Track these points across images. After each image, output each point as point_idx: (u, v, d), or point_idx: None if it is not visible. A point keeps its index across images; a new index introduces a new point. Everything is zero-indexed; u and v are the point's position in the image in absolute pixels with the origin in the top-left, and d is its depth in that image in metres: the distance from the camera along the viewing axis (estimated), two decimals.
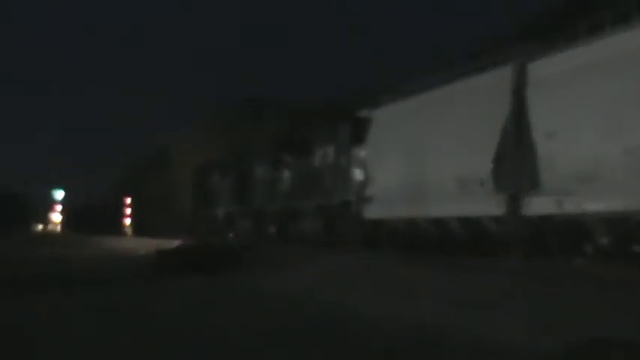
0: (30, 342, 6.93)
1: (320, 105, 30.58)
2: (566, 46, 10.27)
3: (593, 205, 9.51)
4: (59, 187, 69.24)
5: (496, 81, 11.31)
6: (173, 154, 44.26)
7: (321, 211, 17.05)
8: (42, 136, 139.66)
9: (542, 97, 10.40)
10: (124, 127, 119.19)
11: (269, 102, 40.27)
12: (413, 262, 11.01)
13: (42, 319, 8.48)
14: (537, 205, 10.37)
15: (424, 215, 13.14)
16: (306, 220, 17.96)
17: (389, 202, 14.07)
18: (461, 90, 12.21)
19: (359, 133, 15.16)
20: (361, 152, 15.06)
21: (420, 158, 13.08)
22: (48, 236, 50.16)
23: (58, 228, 68.43)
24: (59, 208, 70.33)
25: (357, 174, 15.11)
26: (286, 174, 19.31)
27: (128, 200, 54.93)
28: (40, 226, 69.08)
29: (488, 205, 11.26)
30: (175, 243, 20.85)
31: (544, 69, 10.48)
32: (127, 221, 54.10)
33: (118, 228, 51.78)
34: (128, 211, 54.70)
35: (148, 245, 22.01)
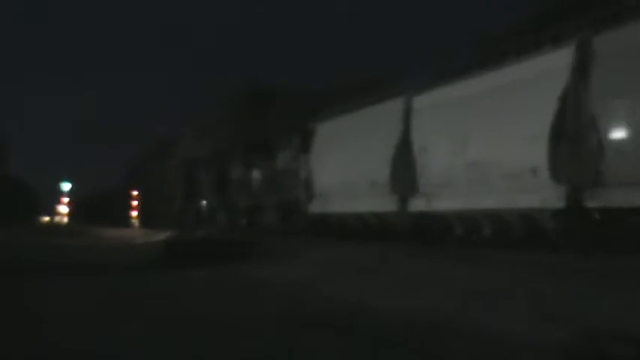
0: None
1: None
2: (436, 85, 14.29)
3: (449, 204, 13.54)
4: (66, 179, 72.49)
5: (393, 109, 15.31)
6: (172, 147, 47.36)
7: (279, 206, 21.17)
8: (50, 128, 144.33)
9: (418, 122, 14.41)
10: (132, 119, 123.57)
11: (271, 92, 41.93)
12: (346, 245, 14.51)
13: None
14: (415, 204, 14.40)
15: (350, 211, 17.17)
16: (268, 213, 22.09)
17: (327, 200, 18.13)
18: (372, 114, 16.23)
19: (306, 142, 19.23)
20: (307, 158, 19.13)
21: (347, 165, 17.08)
22: (54, 228, 52.19)
23: (65, 220, 71.59)
24: (66, 200, 73.49)
25: (304, 176, 19.18)
26: (254, 174, 23.46)
27: (135, 192, 57.00)
28: (47, 218, 72.62)
29: (388, 203, 15.30)
30: (165, 235, 24.97)
31: (421, 101, 14.48)
32: (134, 213, 56.49)
33: (125, 220, 54.30)
34: (135, 203, 56.86)
35: (150, 237, 25.43)
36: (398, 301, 8.59)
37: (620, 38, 10.43)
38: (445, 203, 13.43)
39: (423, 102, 14.37)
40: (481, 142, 12.35)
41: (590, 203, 10.44)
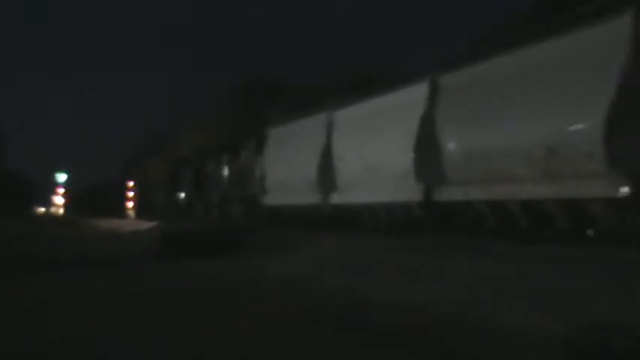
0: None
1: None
2: (352, 102, 18.96)
3: (356, 198, 18.29)
4: (62, 170, 76.00)
5: (320, 122, 20.00)
6: (167, 143, 52.31)
7: (241, 200, 26.02)
8: (47, 119, 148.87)
9: (337, 134, 19.12)
10: (133, 117, 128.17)
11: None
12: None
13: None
14: (334, 198, 19.16)
15: (293, 203, 21.92)
16: (234, 205, 26.93)
17: (276, 194, 22.89)
18: (307, 124, 20.93)
19: (261, 144, 24.04)
20: (261, 158, 23.95)
21: (290, 166, 21.77)
22: (48, 220, 54.97)
23: (61, 211, 75.08)
24: (62, 191, 77.12)
25: (259, 174, 24.00)
26: (224, 171, 28.32)
27: (131, 184, 60.75)
28: (43, 209, 76.20)
29: (316, 198, 20.05)
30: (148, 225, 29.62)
31: (338, 117, 19.18)
32: (130, 204, 60.33)
33: (120, 211, 57.79)
34: (131, 194, 60.59)
35: (144, 227, 29.04)
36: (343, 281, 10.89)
37: (456, 77, 15.01)
38: (353, 198, 18.13)
39: (339, 117, 19.03)
40: (374, 151, 17.00)
41: (438, 197, 15.11)
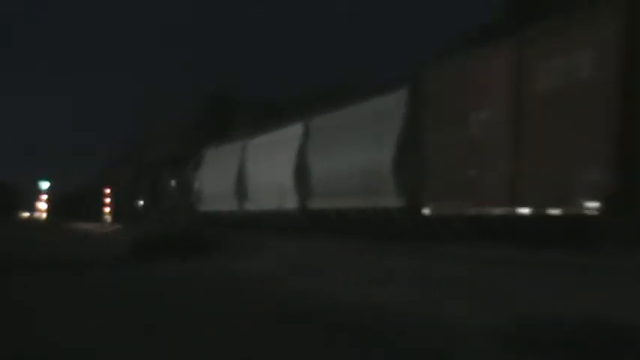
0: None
1: None
2: (259, 133, 25.13)
3: (261, 206, 24.39)
4: (45, 178, 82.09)
5: (238, 147, 26.15)
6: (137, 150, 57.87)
7: (183, 208, 32.22)
8: (30, 127, 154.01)
9: (248, 158, 25.28)
10: (111, 122, 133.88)
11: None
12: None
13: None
14: (246, 205, 25.29)
15: (218, 210, 28.03)
16: (180, 212, 33.14)
17: (207, 203, 29.05)
18: (228, 149, 27.14)
19: (199, 162, 30.23)
20: (199, 174, 30.15)
21: (217, 180, 27.94)
22: (32, 223, 60.37)
23: (44, 215, 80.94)
24: (44, 197, 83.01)
25: (196, 186, 30.18)
26: (172, 182, 34.51)
27: (107, 190, 64.67)
28: (27, 214, 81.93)
29: (235, 205, 26.18)
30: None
31: (249, 143, 25.37)
32: (107, 209, 64.73)
33: (98, 216, 62.12)
34: (108, 200, 64.44)
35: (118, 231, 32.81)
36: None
37: (317, 122, 21.18)
38: (258, 205, 24.23)
39: (249, 144, 25.22)
40: (270, 172, 23.19)
41: (309, 206, 21.22)
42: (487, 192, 14.14)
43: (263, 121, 29.02)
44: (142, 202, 40.77)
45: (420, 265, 11.23)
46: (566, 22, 12.98)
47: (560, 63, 13.17)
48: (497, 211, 14.41)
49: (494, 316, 7.65)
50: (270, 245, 16.43)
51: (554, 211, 12.77)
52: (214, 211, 27.49)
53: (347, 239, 17.25)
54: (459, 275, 10.15)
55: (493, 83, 14.09)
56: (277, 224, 22.67)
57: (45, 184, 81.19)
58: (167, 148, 41.86)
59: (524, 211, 13.29)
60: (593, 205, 12.04)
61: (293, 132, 21.42)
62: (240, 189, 24.59)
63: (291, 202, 21.51)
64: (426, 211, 15.86)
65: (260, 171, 23.21)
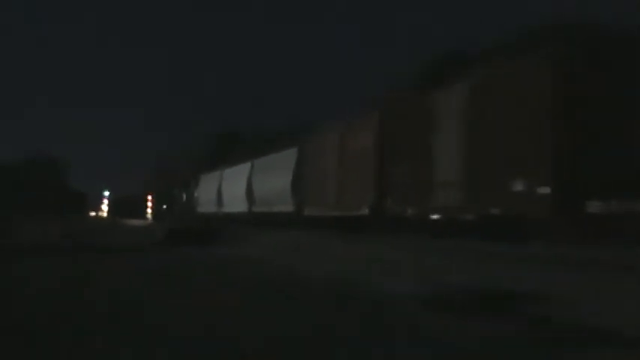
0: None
1: None
2: (228, 166, 33.30)
3: (231, 210, 32.51)
4: (107, 187, 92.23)
5: (217, 174, 34.42)
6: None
7: (188, 210, 40.40)
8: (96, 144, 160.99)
9: (224, 180, 33.46)
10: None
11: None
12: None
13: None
14: (223, 209, 33.39)
15: (207, 211, 36.17)
16: (185, 214, 41.28)
17: (201, 207, 37.31)
18: (211, 175, 35.28)
19: (197, 181, 38.47)
20: (196, 190, 38.33)
21: (207, 193, 36.07)
22: (97, 219, 71.78)
23: (105, 214, 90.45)
24: (106, 201, 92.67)
25: (196, 196, 38.35)
26: (183, 195, 42.76)
27: (149, 197, 77.13)
28: (93, 213, 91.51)
29: (215, 209, 34.28)
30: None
31: (225, 171, 33.57)
32: (149, 211, 76.15)
33: (143, 215, 72.35)
34: (150, 204, 75.37)
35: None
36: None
37: (258, 161, 29.25)
38: (229, 209, 32.24)
39: (225, 172, 33.30)
40: (234, 189, 31.21)
41: (254, 210, 29.14)
42: (329, 202, 21.74)
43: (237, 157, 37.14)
44: (165, 207, 49.00)
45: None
46: (360, 118, 20.43)
47: (357, 138, 20.74)
48: (334, 213, 21.78)
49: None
50: (255, 237, 20.29)
51: (355, 213, 20.18)
52: (205, 212, 35.65)
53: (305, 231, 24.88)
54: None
55: (329, 149, 21.85)
56: (239, 221, 30.31)
57: (106, 192, 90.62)
58: (181, 171, 49.94)
59: (337, 213, 20.79)
60: (365, 211, 19.26)
61: (245, 167, 30.03)
62: (219, 199, 32.78)
63: (245, 208, 29.46)
64: (305, 213, 23.46)
65: (229, 189, 31.85)
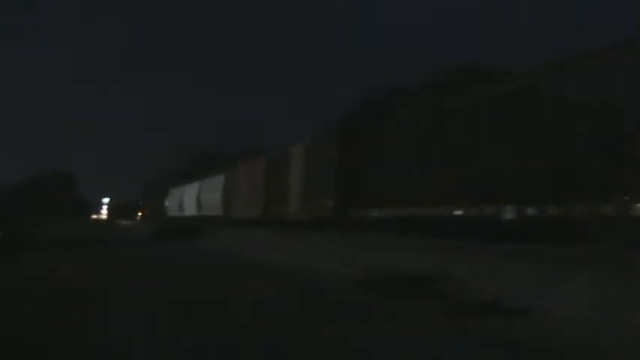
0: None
1: None
2: (188, 183, 39.73)
3: (189, 213, 38.88)
4: (107, 195, 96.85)
5: (181, 188, 40.68)
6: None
7: (162, 214, 46.51)
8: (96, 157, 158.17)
9: (185, 193, 39.94)
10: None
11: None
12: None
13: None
14: (182, 213, 39.75)
15: (174, 215, 42.44)
16: (161, 217, 47.36)
17: (171, 212, 43.54)
18: (176, 189, 41.59)
19: (168, 193, 44.69)
20: (168, 199, 44.55)
21: (174, 201, 42.33)
22: (97, 221, 77.43)
23: (105, 217, 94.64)
24: (106, 206, 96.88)
25: (166, 204, 44.61)
26: (159, 201, 48.82)
27: (141, 203, 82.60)
28: (95, 216, 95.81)
29: (178, 213, 40.58)
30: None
31: (185, 187, 39.93)
32: (139, 214, 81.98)
33: (134, 217, 79.85)
34: (142, 208, 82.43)
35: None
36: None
37: (206, 180, 35.76)
38: (186, 213, 38.57)
39: (185, 188, 39.62)
40: (191, 199, 37.59)
41: (201, 214, 35.63)
42: (253, 209, 28.45)
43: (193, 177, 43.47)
44: (147, 211, 55.05)
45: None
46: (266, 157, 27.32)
47: (254, 173, 27.31)
48: (256, 214, 28.35)
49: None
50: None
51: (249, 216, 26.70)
52: (173, 216, 41.89)
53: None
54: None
55: (258, 173, 28.35)
56: (195, 221, 36.39)
57: (106, 199, 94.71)
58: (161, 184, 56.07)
59: (244, 216, 27.35)
60: (257, 214, 25.88)
61: (195, 185, 36.39)
62: (181, 206, 38.91)
63: (196, 212, 35.69)
64: (231, 216, 29.93)
65: (187, 198, 38.15)
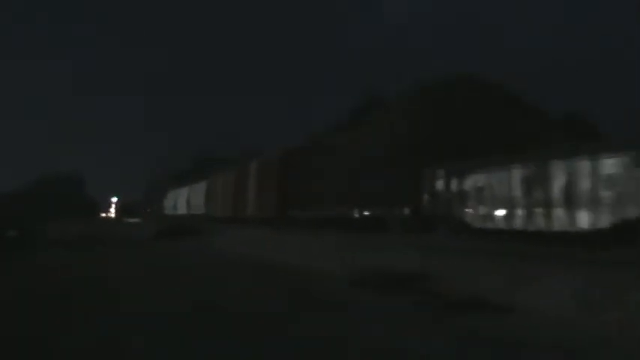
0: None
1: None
2: (181, 186, 47.03)
3: (180, 212, 46.21)
4: (116, 195, 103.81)
5: (177, 191, 48.09)
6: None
7: (161, 212, 53.78)
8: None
9: (179, 195, 47.29)
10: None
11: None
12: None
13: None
14: (177, 211, 47.07)
15: (171, 214, 49.73)
16: (162, 215, 54.65)
17: (168, 211, 50.93)
18: (171, 192, 48.89)
19: (166, 195, 51.89)
20: (166, 199, 51.84)
21: (172, 201, 49.54)
22: (106, 219, 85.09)
23: (113, 215, 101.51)
24: (114, 205, 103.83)
25: (164, 204, 51.85)
26: (160, 201, 56.04)
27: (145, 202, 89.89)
28: (104, 215, 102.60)
29: (173, 211, 47.88)
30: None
31: (179, 190, 47.19)
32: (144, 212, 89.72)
33: (139, 215, 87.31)
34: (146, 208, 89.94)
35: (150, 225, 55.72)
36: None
37: (191, 186, 43.00)
38: (179, 212, 45.85)
39: (180, 190, 46.86)
40: (183, 200, 44.86)
41: (191, 212, 42.89)
42: (225, 209, 35.34)
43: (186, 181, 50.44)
44: (149, 210, 62.62)
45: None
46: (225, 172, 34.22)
47: (227, 181, 34.47)
48: (228, 214, 35.38)
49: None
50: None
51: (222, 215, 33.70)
52: (169, 214, 49.06)
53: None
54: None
55: (229, 182, 35.39)
56: (187, 219, 43.34)
57: (114, 198, 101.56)
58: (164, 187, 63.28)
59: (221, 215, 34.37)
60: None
61: (185, 189, 43.49)
62: (175, 205, 46.05)
63: (186, 211, 42.79)
64: (211, 215, 36.96)
65: (180, 199, 45.41)
